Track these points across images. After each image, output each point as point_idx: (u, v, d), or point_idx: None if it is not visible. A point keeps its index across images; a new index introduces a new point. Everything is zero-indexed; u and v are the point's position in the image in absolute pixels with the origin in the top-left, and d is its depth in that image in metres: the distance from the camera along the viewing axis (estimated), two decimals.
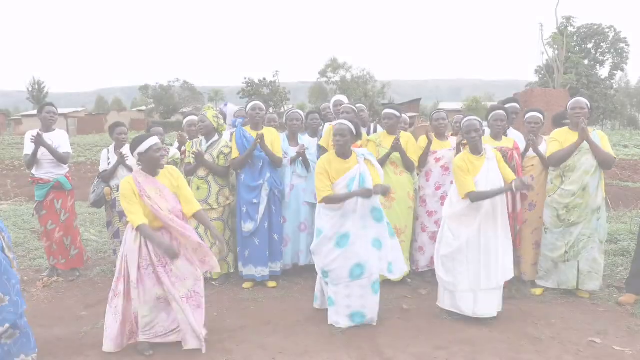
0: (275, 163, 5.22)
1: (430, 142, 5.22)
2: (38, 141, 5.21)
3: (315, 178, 4.30)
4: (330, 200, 4.14)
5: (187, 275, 3.73)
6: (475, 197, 4.14)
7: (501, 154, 4.79)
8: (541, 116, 5.10)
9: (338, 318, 4.20)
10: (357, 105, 5.96)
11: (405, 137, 5.21)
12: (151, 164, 3.71)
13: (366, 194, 4.04)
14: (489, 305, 4.24)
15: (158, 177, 3.76)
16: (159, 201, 3.65)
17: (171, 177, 3.82)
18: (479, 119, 4.35)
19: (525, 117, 5.16)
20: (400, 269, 4.33)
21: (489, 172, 4.23)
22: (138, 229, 3.55)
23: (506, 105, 5.21)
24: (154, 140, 3.70)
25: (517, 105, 5.53)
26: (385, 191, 4.12)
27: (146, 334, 3.72)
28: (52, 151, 5.34)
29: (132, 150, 3.72)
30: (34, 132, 5.37)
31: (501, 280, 4.26)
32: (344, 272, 4.16)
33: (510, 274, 4.34)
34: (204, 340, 3.74)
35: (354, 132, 4.18)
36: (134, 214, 3.57)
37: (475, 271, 4.23)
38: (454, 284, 4.29)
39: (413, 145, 5.26)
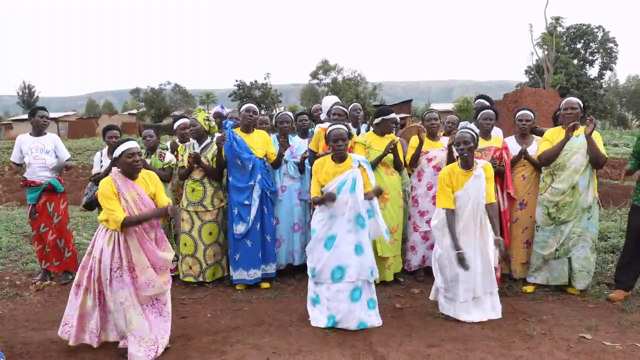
0: (275, 165, 5.29)
1: (421, 143, 5.23)
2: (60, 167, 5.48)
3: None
4: (314, 201, 4.29)
5: (153, 282, 3.72)
6: (446, 214, 4.30)
7: (490, 157, 4.85)
8: (531, 114, 5.15)
9: (320, 317, 4.23)
10: (353, 104, 5.99)
11: (391, 138, 5.26)
12: (126, 169, 3.72)
13: (329, 199, 4.06)
14: (471, 314, 4.28)
15: (136, 181, 3.77)
16: (134, 206, 3.67)
17: (149, 182, 3.84)
18: (473, 132, 4.29)
19: (516, 115, 5.21)
20: (351, 275, 4.21)
21: (473, 188, 4.23)
22: (124, 221, 3.56)
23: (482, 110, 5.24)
24: (128, 145, 3.72)
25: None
26: (377, 193, 4.20)
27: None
28: (61, 167, 5.50)
29: (109, 154, 3.77)
30: (25, 139, 5.39)
31: (479, 292, 4.28)
32: (327, 273, 4.20)
33: (494, 286, 4.33)
34: (160, 349, 3.74)
35: (349, 134, 4.25)
36: (116, 211, 3.57)
37: (454, 283, 4.29)
38: (442, 287, 4.40)
39: (401, 146, 5.30)
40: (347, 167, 4.23)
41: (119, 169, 3.74)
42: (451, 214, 4.28)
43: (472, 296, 4.26)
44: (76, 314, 3.75)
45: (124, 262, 3.63)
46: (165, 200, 3.85)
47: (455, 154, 5.01)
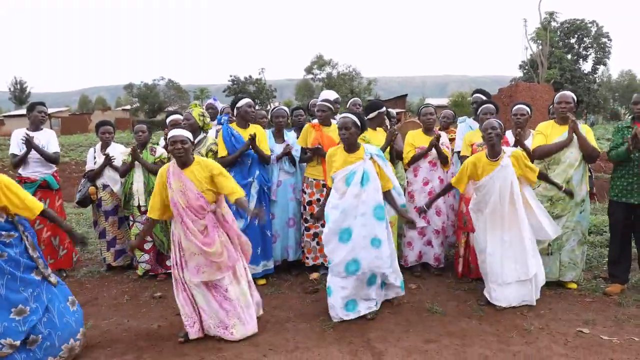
0: (265, 161, 5.20)
1: (431, 146, 5.22)
2: (29, 144, 5.15)
3: None
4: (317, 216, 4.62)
5: (202, 269, 3.83)
6: (447, 186, 4.70)
7: None
8: (528, 109, 5.14)
9: (335, 310, 4.18)
10: (352, 99, 5.97)
11: (382, 132, 5.25)
12: (174, 157, 3.82)
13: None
14: (503, 299, 4.35)
15: (187, 170, 3.80)
16: (177, 195, 3.74)
17: (202, 170, 3.82)
18: (499, 122, 4.29)
19: (512, 110, 5.19)
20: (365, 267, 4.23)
21: (498, 179, 4.25)
22: (149, 217, 3.98)
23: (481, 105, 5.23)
24: (172, 132, 3.80)
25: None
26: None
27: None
28: (42, 152, 5.29)
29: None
30: (22, 132, 5.32)
31: (510, 278, 4.33)
32: (341, 266, 4.14)
33: (532, 272, 4.34)
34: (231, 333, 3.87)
35: (359, 124, 4.16)
36: (152, 203, 3.91)
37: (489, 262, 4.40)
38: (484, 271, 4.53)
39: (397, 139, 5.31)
40: (358, 157, 4.17)
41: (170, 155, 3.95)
42: (450, 188, 4.73)
43: (503, 281, 4.34)
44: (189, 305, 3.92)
45: (183, 249, 3.80)
46: (232, 192, 3.82)
47: (445, 144, 5.06)
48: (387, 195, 4.29)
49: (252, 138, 4.94)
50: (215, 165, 3.86)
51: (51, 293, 3.49)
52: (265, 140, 5.24)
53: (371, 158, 4.17)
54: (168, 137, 3.82)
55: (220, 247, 3.78)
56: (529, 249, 4.32)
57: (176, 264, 3.84)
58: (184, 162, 3.79)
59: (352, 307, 4.19)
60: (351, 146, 4.18)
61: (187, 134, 3.80)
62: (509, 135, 5.21)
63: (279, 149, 5.37)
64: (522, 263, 4.33)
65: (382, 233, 4.15)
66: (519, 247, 4.33)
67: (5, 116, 54.75)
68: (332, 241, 4.19)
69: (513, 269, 4.33)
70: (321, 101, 5.39)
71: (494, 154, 4.28)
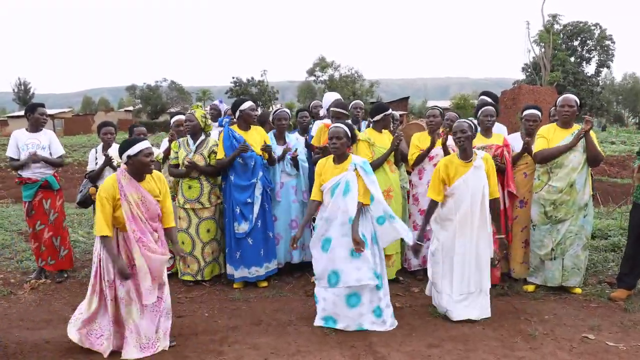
0: (270, 163, 5.22)
1: (432, 144, 5.17)
2: (35, 160, 5.22)
3: None
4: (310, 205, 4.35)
5: (152, 290, 3.68)
6: (429, 206, 4.38)
7: (491, 154, 4.77)
8: (539, 114, 5.08)
9: (317, 317, 4.20)
10: (354, 102, 5.93)
11: (388, 134, 5.22)
12: (140, 169, 3.62)
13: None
14: (467, 311, 4.21)
15: (143, 182, 3.67)
16: (137, 208, 3.58)
17: (157, 183, 3.75)
18: (471, 122, 4.24)
19: (523, 114, 5.13)
20: (346, 281, 4.09)
21: (472, 180, 4.14)
22: (101, 237, 3.56)
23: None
24: (145, 144, 3.62)
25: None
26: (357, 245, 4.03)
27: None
28: (50, 162, 5.36)
29: (122, 152, 3.61)
30: (21, 134, 5.32)
31: (473, 287, 4.22)
32: (324, 277, 4.13)
33: (487, 284, 4.27)
34: (168, 346, 3.74)
35: (349, 135, 4.14)
36: (100, 223, 3.53)
37: (449, 278, 4.24)
38: (434, 281, 4.36)
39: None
40: (343, 169, 4.11)
41: (127, 168, 3.63)
42: (434, 206, 4.34)
43: (466, 291, 4.20)
44: (84, 316, 3.71)
45: (123, 258, 3.60)
46: (170, 215, 3.78)
47: (451, 146, 4.98)
48: (358, 210, 4.07)
49: (264, 149, 5.09)
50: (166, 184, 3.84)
51: None
52: (269, 142, 5.23)
53: (355, 170, 4.09)
54: (143, 147, 3.60)
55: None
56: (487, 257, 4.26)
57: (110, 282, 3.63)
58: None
59: (331, 324, 4.14)
60: (340, 157, 4.14)
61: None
62: (516, 138, 5.16)
63: (279, 150, 5.36)
64: (485, 270, 4.25)
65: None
66: (481, 256, 4.22)
67: (9, 117, 54.84)
68: (315, 249, 4.19)
69: (474, 279, 4.24)
70: (334, 107, 5.39)
71: (466, 156, 4.20)
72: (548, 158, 4.69)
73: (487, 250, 4.22)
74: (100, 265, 3.63)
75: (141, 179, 3.66)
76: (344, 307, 4.08)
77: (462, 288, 4.20)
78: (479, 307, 4.24)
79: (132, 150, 3.57)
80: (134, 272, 3.61)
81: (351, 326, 4.07)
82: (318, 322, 4.18)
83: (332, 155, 4.23)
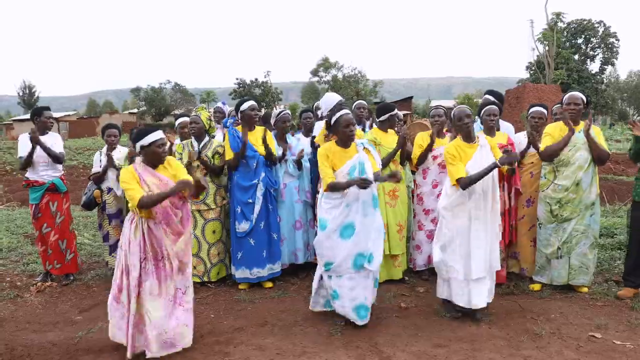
0: (272, 162, 5.21)
1: (432, 142, 5.16)
2: (35, 140, 5.16)
3: (319, 167, 4.21)
4: (334, 187, 4.06)
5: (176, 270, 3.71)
6: (465, 183, 4.08)
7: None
8: (545, 111, 5.06)
9: (345, 312, 4.11)
10: (357, 102, 5.94)
11: (393, 134, 5.22)
12: (152, 159, 3.69)
13: (365, 183, 3.93)
14: (481, 295, 4.17)
15: (158, 169, 3.73)
16: (156, 190, 3.61)
17: (169, 168, 3.78)
18: (469, 111, 4.28)
19: (529, 112, 5.12)
20: (377, 262, 4.18)
21: (482, 159, 4.12)
22: (141, 200, 3.49)
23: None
24: (158, 134, 3.68)
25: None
26: (393, 178, 4.06)
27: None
28: (48, 150, 5.29)
29: (135, 142, 3.69)
30: (26, 136, 5.34)
31: (490, 268, 4.21)
32: (347, 263, 4.07)
33: (498, 265, 4.28)
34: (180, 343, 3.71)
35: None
36: (133, 190, 3.53)
37: (466, 261, 4.17)
38: (449, 272, 4.25)
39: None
40: (353, 151, 4.17)
41: (142, 159, 3.71)
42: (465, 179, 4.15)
43: (483, 272, 4.15)
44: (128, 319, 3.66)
45: (149, 253, 3.62)
46: (185, 175, 3.79)
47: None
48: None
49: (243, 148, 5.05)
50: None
51: None
52: (273, 142, 5.24)
53: (364, 148, 4.20)
54: (155, 138, 3.64)
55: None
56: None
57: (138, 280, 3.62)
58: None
59: (364, 314, 4.11)
60: (350, 142, 4.20)
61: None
62: (521, 137, 5.14)
63: (280, 151, 5.36)
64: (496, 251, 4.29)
65: (381, 221, 4.23)
66: (495, 236, 4.28)
67: (14, 120, 55.06)
68: (330, 239, 4.09)
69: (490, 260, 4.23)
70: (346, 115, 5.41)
71: (471, 139, 4.23)
72: (553, 154, 4.67)
73: (495, 231, 4.27)
74: (126, 259, 3.64)
75: (155, 167, 3.73)
76: (372, 289, 4.18)
77: (479, 269, 4.13)
78: (487, 290, 4.22)
79: (145, 141, 3.64)
80: (159, 265, 3.64)
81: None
82: (351, 315, 4.09)
83: (332, 141, 4.23)
